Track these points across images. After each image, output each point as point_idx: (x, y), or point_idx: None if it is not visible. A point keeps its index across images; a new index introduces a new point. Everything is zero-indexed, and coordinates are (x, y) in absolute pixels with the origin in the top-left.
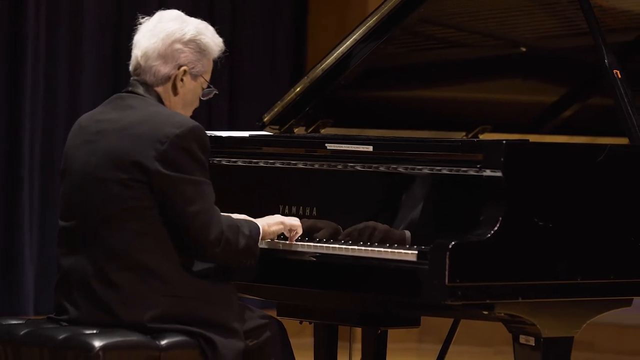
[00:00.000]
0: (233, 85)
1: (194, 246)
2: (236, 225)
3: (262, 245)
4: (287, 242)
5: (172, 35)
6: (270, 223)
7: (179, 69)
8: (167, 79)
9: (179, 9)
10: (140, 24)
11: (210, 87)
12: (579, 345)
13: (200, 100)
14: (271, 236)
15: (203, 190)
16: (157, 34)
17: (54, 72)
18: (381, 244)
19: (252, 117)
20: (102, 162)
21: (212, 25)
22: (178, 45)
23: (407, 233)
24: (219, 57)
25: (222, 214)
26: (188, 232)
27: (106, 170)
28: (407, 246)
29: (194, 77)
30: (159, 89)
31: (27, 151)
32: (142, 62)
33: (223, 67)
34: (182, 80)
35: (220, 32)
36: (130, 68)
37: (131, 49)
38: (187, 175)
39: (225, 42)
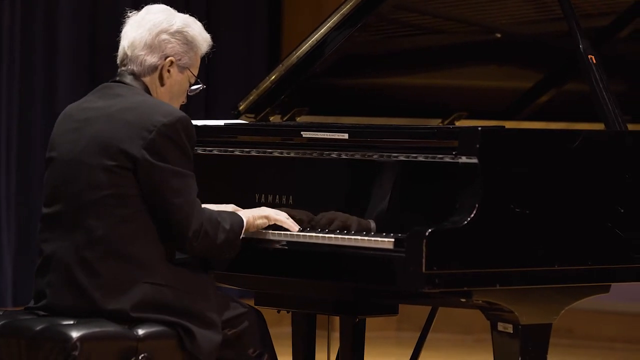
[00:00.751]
0: (209, 74)
1: (173, 237)
2: (217, 219)
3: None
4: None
5: (159, 26)
6: (255, 216)
7: (165, 59)
8: (153, 69)
9: (155, 1)
10: (129, 17)
11: (198, 82)
12: (558, 331)
13: (187, 96)
14: (254, 229)
15: (188, 183)
16: (144, 24)
17: (29, 64)
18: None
19: (228, 105)
20: (88, 147)
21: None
22: (165, 36)
23: (372, 223)
24: (206, 53)
25: (205, 206)
26: (169, 223)
27: (92, 155)
28: (384, 234)
29: (181, 69)
30: (146, 79)
31: (4, 141)
32: (129, 52)
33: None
34: (168, 71)
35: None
36: (118, 60)
37: (108, 41)
38: (173, 166)
39: None
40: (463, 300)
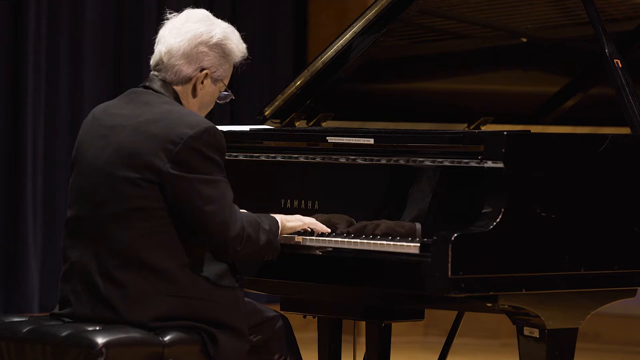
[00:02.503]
0: (234, 80)
1: (215, 245)
2: (256, 220)
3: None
4: (304, 236)
5: (199, 37)
6: (288, 219)
7: (201, 71)
8: (187, 80)
9: (179, 4)
10: (167, 19)
11: (227, 92)
12: (584, 336)
13: (215, 102)
14: (288, 232)
15: (220, 188)
16: (184, 33)
17: (55, 65)
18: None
19: (254, 110)
20: (113, 158)
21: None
22: (204, 48)
23: (418, 225)
24: (239, 63)
25: (243, 211)
26: (207, 231)
27: (117, 167)
28: (409, 238)
29: (215, 81)
30: (178, 88)
31: (30, 146)
32: (165, 59)
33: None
34: (202, 82)
35: None
36: (152, 62)
37: (133, 42)
38: (201, 174)
39: None
40: (489, 304)
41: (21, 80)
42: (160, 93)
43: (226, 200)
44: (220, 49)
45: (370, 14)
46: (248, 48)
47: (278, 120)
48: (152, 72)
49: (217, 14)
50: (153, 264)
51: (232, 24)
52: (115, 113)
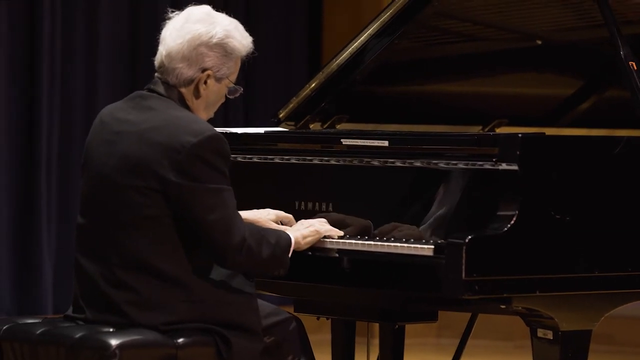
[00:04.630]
0: (249, 82)
1: (216, 254)
2: (260, 233)
3: None
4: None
5: (199, 38)
6: (304, 234)
7: (203, 72)
8: (190, 81)
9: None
10: (169, 18)
11: (236, 86)
12: (598, 338)
13: (226, 97)
14: (305, 247)
15: (222, 197)
16: (183, 34)
17: (70, 66)
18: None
19: (268, 113)
20: (119, 166)
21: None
22: (203, 49)
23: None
24: (246, 56)
25: (247, 222)
26: (209, 240)
27: (123, 175)
28: (424, 240)
29: (218, 79)
30: (182, 90)
31: (45, 149)
32: (165, 62)
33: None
34: (205, 83)
35: None
36: (155, 64)
37: (147, 40)
38: (204, 183)
39: None
40: (503, 306)
41: (36, 79)
42: (165, 97)
43: (228, 210)
44: (221, 48)
45: (385, 17)
46: (263, 50)
47: (292, 123)
48: (156, 74)
49: (232, 17)
50: (163, 270)
51: (246, 24)
52: (121, 118)
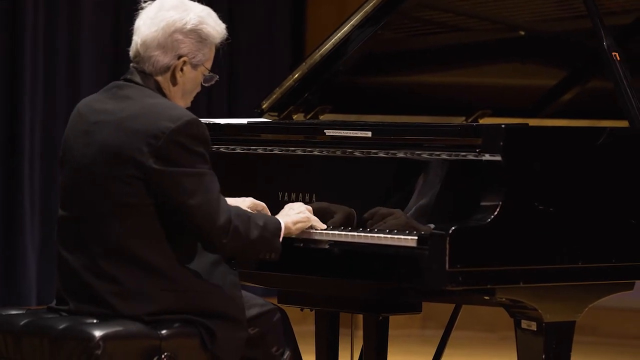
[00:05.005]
0: (232, 73)
1: (202, 239)
2: (246, 214)
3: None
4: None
5: (173, 25)
6: (295, 220)
7: (178, 59)
8: (166, 69)
9: None
10: (142, 8)
11: (212, 74)
12: (582, 329)
13: (202, 85)
14: (296, 232)
15: (204, 181)
16: (157, 22)
17: (53, 59)
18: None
19: (252, 104)
20: (98, 156)
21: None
22: (178, 36)
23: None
24: (221, 44)
25: (233, 205)
26: (194, 224)
27: (102, 165)
28: (407, 232)
29: (194, 66)
30: (159, 78)
31: (28, 140)
32: (141, 51)
33: (222, 55)
34: (181, 70)
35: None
36: (130, 54)
37: (130, 33)
38: (184, 168)
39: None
40: (486, 298)
41: (18, 74)
42: (141, 85)
43: (211, 193)
44: (196, 34)
45: (368, 7)
46: (246, 41)
47: (276, 114)
48: (131, 64)
49: (215, 7)
50: (146, 259)
51: (230, 15)
52: (98, 109)
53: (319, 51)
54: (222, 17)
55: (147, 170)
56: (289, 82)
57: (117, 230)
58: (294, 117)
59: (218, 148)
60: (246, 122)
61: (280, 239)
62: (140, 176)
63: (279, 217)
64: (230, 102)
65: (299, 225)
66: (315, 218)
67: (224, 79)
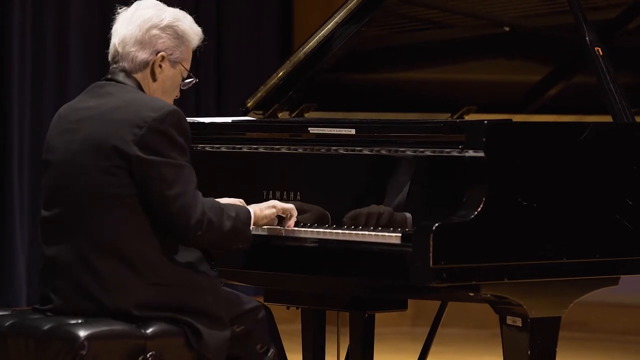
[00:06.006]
0: (220, 73)
1: (176, 230)
2: (219, 207)
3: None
4: (281, 227)
5: (149, 21)
6: (262, 207)
7: (156, 54)
8: (145, 65)
9: None
10: (118, 13)
11: (191, 76)
12: (571, 325)
13: (180, 90)
14: (265, 220)
15: (183, 173)
16: (134, 20)
17: (41, 62)
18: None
19: (241, 103)
20: (82, 149)
21: (198, 12)
22: (155, 31)
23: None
24: (198, 47)
25: (206, 198)
26: (169, 215)
27: (87, 157)
28: (391, 229)
29: (173, 64)
30: (138, 76)
31: (16, 141)
32: (120, 49)
33: (210, 55)
34: (160, 66)
35: (205, 20)
36: (109, 57)
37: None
38: (166, 158)
39: (211, 29)
40: (471, 294)
41: (5, 78)
42: (122, 83)
43: (189, 185)
44: (172, 30)
45: (351, 4)
46: (234, 39)
47: (261, 112)
48: (111, 66)
49: (202, 9)
50: (130, 251)
51: (218, 15)
52: (79, 107)
53: (303, 49)
54: (209, 16)
55: (131, 158)
56: (273, 81)
57: (103, 222)
58: (279, 115)
59: (203, 147)
60: (230, 121)
61: (251, 228)
62: (125, 165)
63: (249, 207)
64: (219, 101)
65: (266, 212)
66: (292, 206)
67: (213, 79)
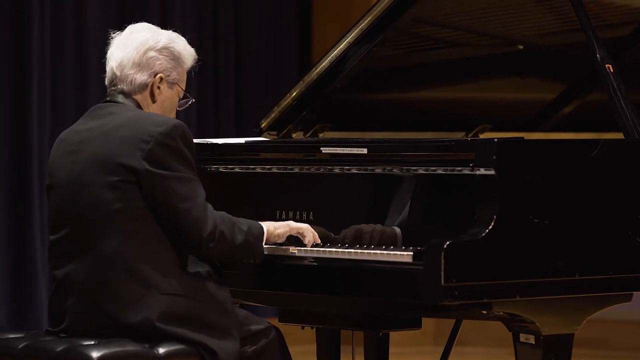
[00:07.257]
0: (239, 93)
1: (188, 243)
2: (230, 220)
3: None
4: (299, 247)
5: (146, 43)
6: (276, 225)
7: (155, 76)
8: (144, 87)
9: (182, 21)
10: (112, 37)
11: (187, 97)
12: (592, 342)
13: (177, 111)
14: (277, 239)
15: (192, 187)
16: (130, 43)
17: (60, 80)
18: (376, 244)
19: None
20: (87, 167)
21: (217, 34)
22: (152, 53)
23: (397, 230)
24: (192, 67)
25: (217, 211)
26: (182, 229)
27: (92, 174)
28: (403, 247)
29: (170, 84)
30: (137, 97)
31: (37, 165)
32: (118, 73)
33: (229, 78)
34: (158, 87)
35: (224, 40)
36: (107, 82)
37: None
38: (175, 172)
39: (230, 52)
40: (484, 312)
41: (25, 97)
42: (123, 103)
43: (199, 198)
44: (168, 51)
45: (364, 24)
46: (252, 58)
47: (275, 132)
48: (109, 89)
49: (221, 30)
50: (142, 264)
51: (236, 35)
52: (81, 130)
53: (316, 69)
54: (229, 37)
55: (140, 172)
56: (287, 101)
57: (112, 236)
58: (293, 135)
59: (217, 168)
60: (244, 142)
61: (264, 243)
62: (133, 180)
63: (262, 223)
64: (238, 121)
65: (279, 230)
66: (308, 226)
67: (232, 99)
